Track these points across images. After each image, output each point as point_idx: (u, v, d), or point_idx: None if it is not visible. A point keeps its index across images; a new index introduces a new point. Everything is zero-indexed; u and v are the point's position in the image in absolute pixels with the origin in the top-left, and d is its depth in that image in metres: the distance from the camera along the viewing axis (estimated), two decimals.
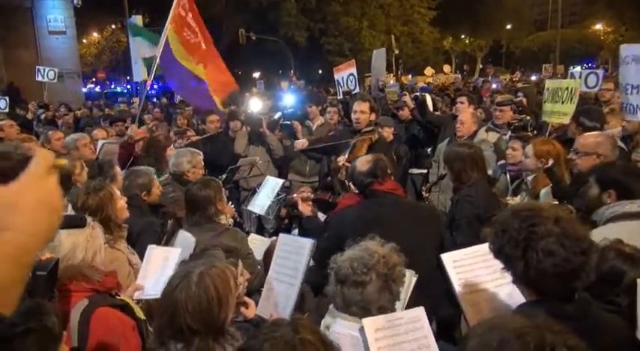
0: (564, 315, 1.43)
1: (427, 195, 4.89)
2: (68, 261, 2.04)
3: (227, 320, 1.81)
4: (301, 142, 5.18)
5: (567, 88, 4.78)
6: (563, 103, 4.80)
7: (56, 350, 1.50)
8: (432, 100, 8.90)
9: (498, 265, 1.72)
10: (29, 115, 9.29)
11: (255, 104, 6.87)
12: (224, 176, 4.89)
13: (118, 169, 3.86)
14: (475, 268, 1.83)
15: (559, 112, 4.84)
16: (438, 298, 2.85)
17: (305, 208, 3.38)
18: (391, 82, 11.98)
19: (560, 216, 1.55)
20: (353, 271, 1.90)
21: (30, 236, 0.79)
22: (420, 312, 1.80)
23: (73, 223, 1.35)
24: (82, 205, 2.76)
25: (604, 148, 3.30)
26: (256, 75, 34.78)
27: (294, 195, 3.67)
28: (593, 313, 1.56)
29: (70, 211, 2.67)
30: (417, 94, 7.11)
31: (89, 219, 2.21)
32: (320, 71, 36.00)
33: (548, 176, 3.47)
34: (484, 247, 1.88)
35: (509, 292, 1.77)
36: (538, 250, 1.50)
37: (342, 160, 4.36)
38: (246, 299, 2.30)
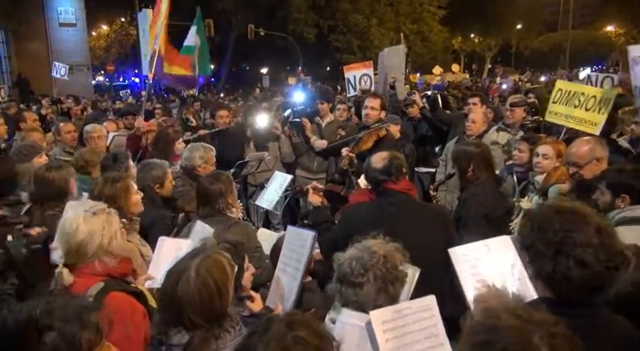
0: (574, 314, 1.41)
1: (435, 194, 4.89)
2: (85, 246, 2.08)
3: (228, 306, 1.85)
4: (321, 143, 5.18)
5: (595, 97, 4.63)
6: (587, 110, 4.64)
7: None
8: (445, 97, 8.84)
9: (508, 260, 1.72)
10: (43, 111, 9.46)
11: (261, 120, 6.48)
12: (232, 171, 4.92)
13: (131, 161, 3.93)
14: (484, 263, 1.83)
15: (581, 119, 4.71)
16: (444, 298, 2.85)
17: (314, 198, 3.33)
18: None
19: (602, 225, 1.48)
20: (351, 272, 1.90)
21: None
22: (430, 301, 1.78)
23: None
24: (98, 194, 2.87)
25: (599, 152, 3.27)
26: (264, 70, 34.77)
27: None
28: (605, 312, 1.53)
29: (87, 199, 2.73)
30: (429, 92, 7.08)
31: (104, 205, 2.27)
32: (328, 68, 35.95)
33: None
34: (493, 242, 1.87)
35: (518, 289, 1.77)
36: (571, 257, 1.44)
37: (345, 150, 4.38)
38: (252, 293, 2.30)
